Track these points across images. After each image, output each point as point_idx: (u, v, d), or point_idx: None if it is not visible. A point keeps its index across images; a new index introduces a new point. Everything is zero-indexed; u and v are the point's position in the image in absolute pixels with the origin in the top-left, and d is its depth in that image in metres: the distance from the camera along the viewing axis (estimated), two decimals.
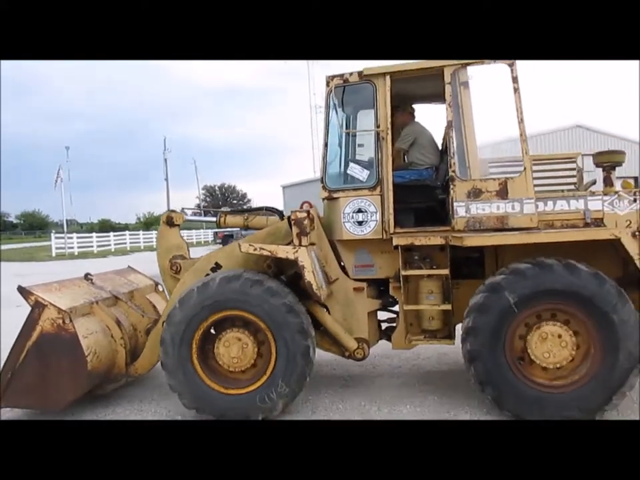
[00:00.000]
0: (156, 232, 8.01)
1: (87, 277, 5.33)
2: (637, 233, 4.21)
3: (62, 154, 41.69)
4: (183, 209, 5.86)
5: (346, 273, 4.90)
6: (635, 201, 4.27)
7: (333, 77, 4.79)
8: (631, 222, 4.26)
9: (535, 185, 4.94)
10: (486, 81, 4.95)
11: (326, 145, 4.84)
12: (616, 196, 4.31)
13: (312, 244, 4.88)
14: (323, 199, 4.91)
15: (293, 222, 4.58)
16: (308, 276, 4.33)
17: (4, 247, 39.78)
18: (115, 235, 36.64)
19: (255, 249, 4.50)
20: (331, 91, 4.77)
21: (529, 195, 4.33)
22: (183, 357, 4.33)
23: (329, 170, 4.86)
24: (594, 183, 5.02)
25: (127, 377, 5.04)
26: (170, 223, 5.43)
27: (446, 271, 4.45)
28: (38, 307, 4.46)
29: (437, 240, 4.41)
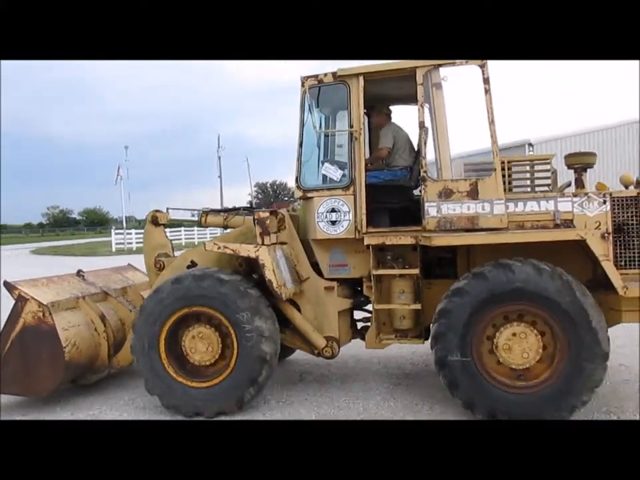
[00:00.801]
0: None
1: (79, 273, 5.59)
2: (606, 234, 4.25)
3: (121, 153, 43.40)
4: (167, 208, 5.92)
5: (320, 272, 4.93)
6: (604, 202, 4.28)
7: (308, 77, 4.82)
8: (600, 223, 4.27)
9: (512, 186, 5.00)
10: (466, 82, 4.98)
11: (301, 144, 4.86)
12: (585, 197, 4.32)
13: (283, 243, 4.95)
14: (299, 199, 4.94)
15: (256, 222, 4.64)
16: (268, 274, 4.41)
17: (67, 242, 40.42)
18: (170, 231, 36.58)
19: (219, 247, 4.59)
20: (306, 91, 4.80)
21: (499, 196, 4.35)
22: (150, 347, 4.53)
23: (303, 170, 4.88)
24: (569, 184, 5.03)
25: (109, 368, 5.22)
26: (155, 222, 5.58)
27: (416, 271, 4.47)
28: (21, 301, 4.74)
29: (408, 240, 4.44)
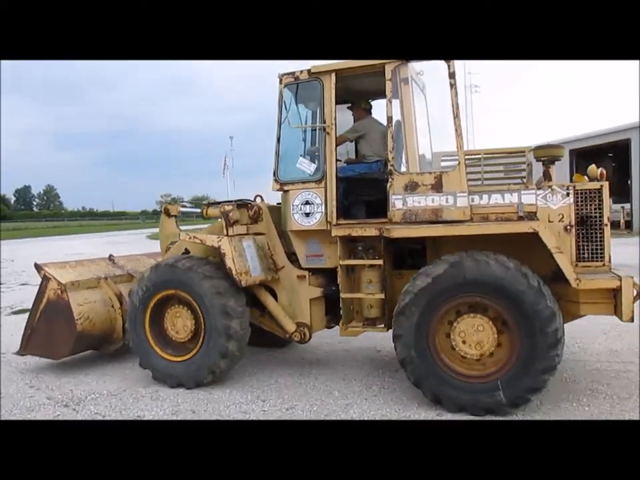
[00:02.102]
0: None
1: (110, 257, 6.45)
2: (569, 227, 4.26)
3: (227, 143, 45.71)
4: (177, 202, 6.45)
5: (298, 262, 5.17)
6: (567, 195, 4.28)
7: (285, 74, 5.03)
8: (563, 216, 4.28)
9: (486, 179, 5.05)
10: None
11: (278, 139, 5.08)
12: (549, 190, 4.32)
13: (261, 234, 5.24)
14: (276, 191, 5.18)
15: (221, 214, 4.97)
16: (228, 262, 4.79)
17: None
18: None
19: (190, 238, 5.08)
20: (284, 87, 5.01)
21: (462, 189, 4.42)
22: (138, 327, 5.19)
23: (281, 164, 5.11)
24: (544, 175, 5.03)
25: (125, 340, 5.74)
26: (167, 214, 6.18)
27: (380, 262, 4.63)
28: (45, 280, 5.66)
29: (372, 231, 4.59)
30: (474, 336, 4.11)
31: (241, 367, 5.43)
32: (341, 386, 4.93)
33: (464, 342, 4.14)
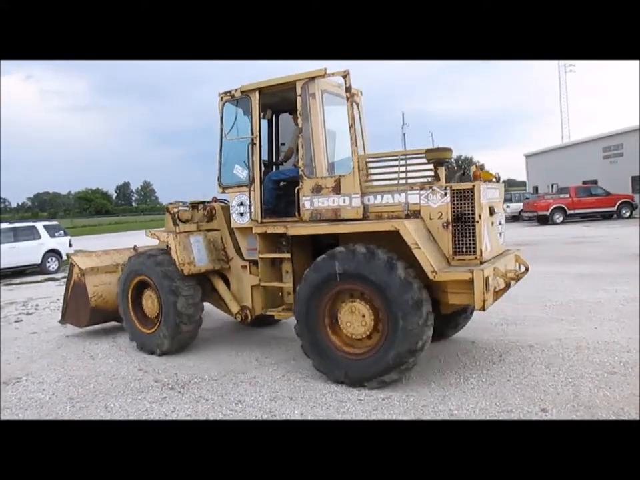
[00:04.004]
0: None
1: (134, 247, 7.49)
2: (445, 224, 4.64)
3: None
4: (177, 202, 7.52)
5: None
6: (445, 194, 4.64)
7: (223, 93, 5.81)
8: (442, 213, 4.65)
9: (402, 178, 5.45)
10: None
11: (220, 149, 5.89)
12: (430, 190, 4.71)
13: (215, 230, 6.12)
14: (221, 193, 6.03)
15: (170, 214, 6.03)
16: (173, 255, 5.84)
17: None
18: None
19: (152, 235, 6.04)
20: (224, 104, 5.80)
21: (356, 191, 4.96)
22: (124, 306, 6.52)
23: (222, 170, 5.93)
24: (463, 174, 5.33)
25: None
26: (169, 212, 7.27)
27: (288, 255, 5.30)
28: (72, 266, 7.40)
29: (281, 229, 5.27)
30: (355, 319, 4.68)
31: None
32: (436, 377, 4.92)
33: (348, 324, 4.72)
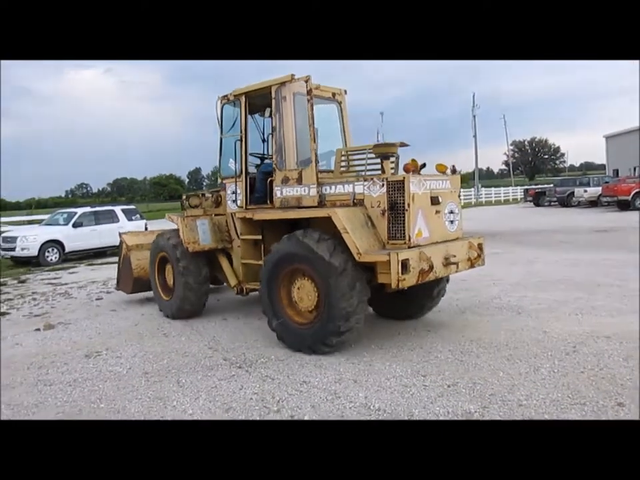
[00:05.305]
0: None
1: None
2: (382, 212, 5.25)
3: (378, 119, 48.53)
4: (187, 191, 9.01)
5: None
6: (383, 185, 5.24)
7: (222, 96, 6.80)
8: (380, 202, 5.25)
9: (369, 170, 6.09)
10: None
11: (220, 146, 6.91)
12: (371, 181, 5.34)
13: (221, 214, 7.24)
14: (220, 183, 7.08)
15: (181, 201, 7.23)
16: (180, 234, 6.95)
17: None
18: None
19: (169, 218, 7.38)
20: (222, 106, 6.79)
21: (313, 182, 5.72)
22: (152, 275, 7.90)
23: (222, 163, 6.97)
24: (424, 166, 5.83)
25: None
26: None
27: (259, 237, 6.24)
28: (121, 243, 8.86)
29: (249, 215, 6.24)
30: (303, 294, 5.46)
31: (399, 340, 5.77)
32: (505, 366, 4.79)
33: (299, 298, 5.52)
